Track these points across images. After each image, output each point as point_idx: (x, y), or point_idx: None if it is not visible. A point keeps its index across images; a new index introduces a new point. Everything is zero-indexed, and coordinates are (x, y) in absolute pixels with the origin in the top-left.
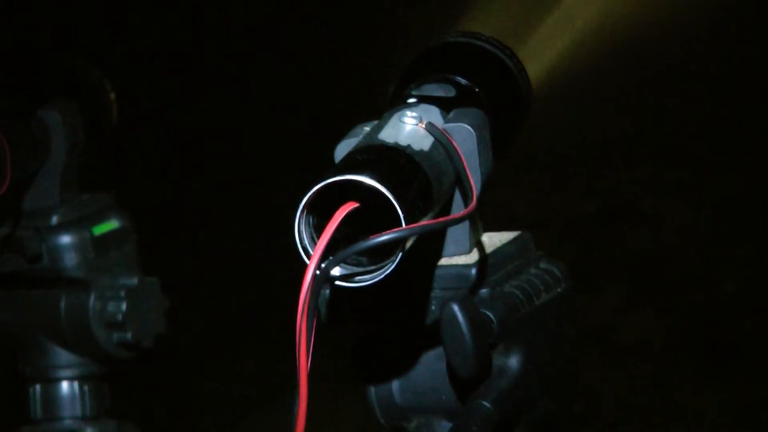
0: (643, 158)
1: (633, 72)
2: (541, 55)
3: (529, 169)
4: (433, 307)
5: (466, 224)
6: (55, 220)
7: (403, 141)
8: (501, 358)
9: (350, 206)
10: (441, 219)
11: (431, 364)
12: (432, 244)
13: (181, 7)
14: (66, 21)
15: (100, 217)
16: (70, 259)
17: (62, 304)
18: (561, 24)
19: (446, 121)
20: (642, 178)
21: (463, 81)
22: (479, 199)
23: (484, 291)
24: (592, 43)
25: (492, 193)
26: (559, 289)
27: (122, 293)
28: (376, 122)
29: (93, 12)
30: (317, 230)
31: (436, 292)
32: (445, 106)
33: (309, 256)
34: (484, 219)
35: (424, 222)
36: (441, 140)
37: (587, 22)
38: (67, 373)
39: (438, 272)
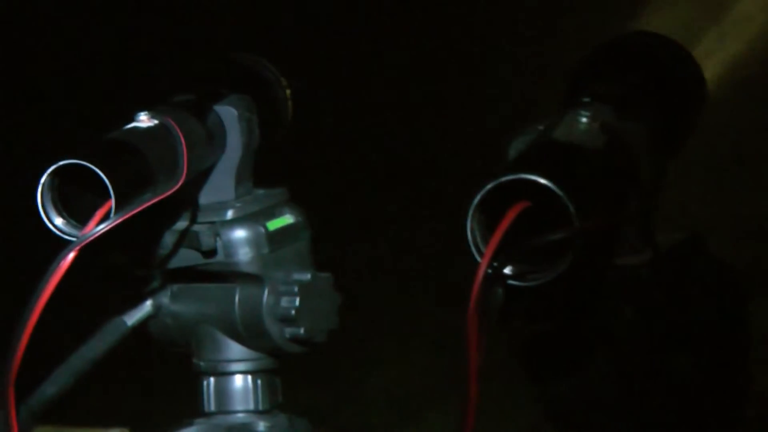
0: None
1: None
2: (719, 49)
3: (703, 167)
4: (605, 308)
5: (638, 224)
6: (230, 215)
7: (576, 140)
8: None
9: (523, 205)
10: (610, 218)
11: (603, 365)
12: (605, 243)
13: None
14: (246, 18)
15: (274, 213)
16: (245, 254)
17: (236, 299)
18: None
19: (619, 120)
20: None
21: (636, 80)
22: (650, 198)
23: (655, 292)
24: None
25: (665, 193)
26: (729, 296)
27: (295, 288)
28: (550, 121)
29: (274, 9)
30: (485, 227)
31: (607, 292)
32: (618, 105)
33: (481, 254)
34: (656, 219)
35: (595, 221)
36: (615, 140)
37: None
38: (241, 366)
39: (610, 272)
